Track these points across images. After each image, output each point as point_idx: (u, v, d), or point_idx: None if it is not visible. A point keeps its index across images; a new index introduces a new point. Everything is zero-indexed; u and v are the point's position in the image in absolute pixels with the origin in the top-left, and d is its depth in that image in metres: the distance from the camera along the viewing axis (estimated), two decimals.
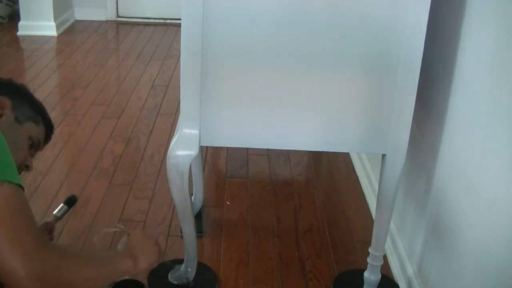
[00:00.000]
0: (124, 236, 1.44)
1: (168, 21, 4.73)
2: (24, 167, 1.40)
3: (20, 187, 1.06)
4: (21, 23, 4.21)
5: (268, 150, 2.55)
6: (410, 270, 1.69)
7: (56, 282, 1.04)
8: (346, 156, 2.56)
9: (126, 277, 1.68)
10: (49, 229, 1.69)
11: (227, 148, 2.55)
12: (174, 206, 1.74)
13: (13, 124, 1.34)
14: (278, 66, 1.38)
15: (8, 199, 1.02)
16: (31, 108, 1.42)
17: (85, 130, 2.70)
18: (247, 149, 2.55)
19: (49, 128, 1.51)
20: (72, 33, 4.42)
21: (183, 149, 1.42)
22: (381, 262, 1.63)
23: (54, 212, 1.74)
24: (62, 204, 1.76)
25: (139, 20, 4.78)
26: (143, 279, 1.69)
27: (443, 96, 1.50)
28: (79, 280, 1.11)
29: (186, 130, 1.41)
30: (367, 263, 1.64)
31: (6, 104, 1.33)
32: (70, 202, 1.78)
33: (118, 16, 4.81)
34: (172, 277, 1.69)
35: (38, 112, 1.45)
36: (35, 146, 1.46)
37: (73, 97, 3.11)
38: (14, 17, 4.48)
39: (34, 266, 0.99)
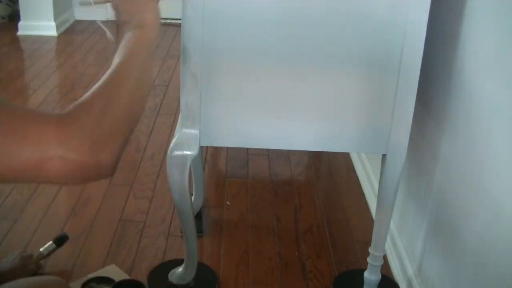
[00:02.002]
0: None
1: (168, 21, 4.73)
2: None
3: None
4: (21, 23, 4.20)
5: (268, 150, 2.55)
6: (410, 270, 1.69)
7: (99, 137, 0.87)
8: (346, 156, 2.56)
9: (127, 277, 1.68)
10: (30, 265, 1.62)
11: (227, 148, 2.55)
12: (174, 206, 1.74)
13: None
14: (278, 66, 1.38)
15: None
16: None
17: None
18: (247, 149, 2.55)
19: None
20: (72, 33, 4.42)
21: (183, 149, 1.42)
22: (381, 262, 1.63)
23: (41, 249, 1.70)
24: (51, 242, 1.72)
25: None
26: (143, 279, 1.70)
27: (443, 96, 1.50)
28: (123, 112, 0.95)
29: (186, 130, 1.41)
30: (367, 263, 1.64)
31: None
32: (60, 241, 1.73)
33: None
34: (172, 277, 1.69)
35: None
36: None
37: (73, 97, 3.11)
38: (14, 17, 4.48)
39: (65, 143, 0.83)
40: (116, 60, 1.02)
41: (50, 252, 1.72)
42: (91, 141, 0.85)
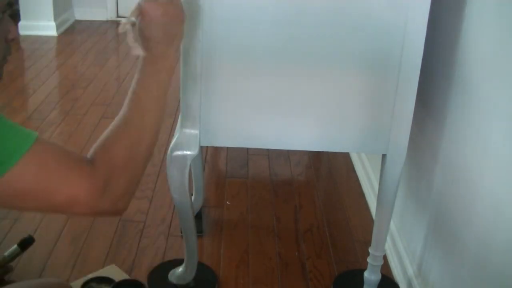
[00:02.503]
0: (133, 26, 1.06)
1: None
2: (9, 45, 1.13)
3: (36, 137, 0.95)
4: (21, 23, 4.21)
5: (268, 150, 2.55)
6: (410, 270, 1.69)
7: (121, 174, 0.97)
8: (346, 156, 2.56)
9: (127, 277, 1.68)
10: None
11: (227, 148, 2.55)
12: (174, 206, 1.74)
13: None
14: (278, 66, 1.38)
15: (44, 155, 0.94)
16: None
17: (85, 130, 2.70)
18: (247, 149, 2.55)
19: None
20: (72, 33, 4.42)
21: (183, 149, 1.42)
22: (381, 262, 1.63)
23: (5, 254, 1.64)
24: (15, 246, 1.65)
25: None
26: (143, 279, 1.70)
27: (443, 96, 1.50)
28: (140, 147, 1.01)
29: (186, 130, 1.41)
30: (367, 263, 1.64)
31: None
32: (24, 244, 1.65)
33: (118, 16, 4.81)
34: (172, 277, 1.69)
35: None
36: (8, 11, 1.12)
37: (73, 97, 3.11)
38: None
39: (97, 188, 0.93)
40: (136, 90, 1.05)
41: (14, 256, 1.65)
42: (115, 196, 0.96)
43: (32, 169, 0.91)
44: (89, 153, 0.99)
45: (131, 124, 1.03)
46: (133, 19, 1.04)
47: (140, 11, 1.05)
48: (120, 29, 1.04)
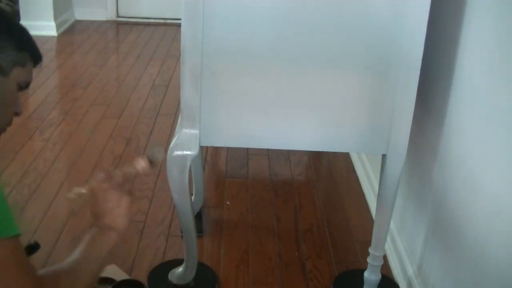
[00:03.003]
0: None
1: (168, 21, 4.73)
2: (13, 116, 1.22)
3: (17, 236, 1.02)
4: (21, 23, 4.20)
5: (268, 150, 2.55)
6: (410, 270, 1.69)
7: None
8: (346, 156, 2.55)
9: (127, 277, 1.68)
10: None
11: (227, 148, 2.55)
12: (174, 206, 1.74)
13: None
14: (278, 66, 1.38)
15: (9, 255, 1.00)
16: (14, 45, 1.16)
17: (85, 130, 2.70)
18: (247, 149, 2.55)
19: (37, 62, 1.27)
20: (72, 33, 4.42)
21: (183, 149, 1.42)
22: (381, 262, 1.63)
23: None
24: None
25: (139, 20, 4.78)
26: (143, 279, 1.69)
27: (443, 96, 1.50)
28: None
29: (186, 130, 1.41)
30: (367, 263, 1.64)
31: None
32: (30, 250, 1.64)
33: (118, 16, 4.81)
34: (172, 277, 1.69)
35: (22, 48, 1.19)
36: (24, 88, 1.23)
37: (73, 97, 3.11)
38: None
39: None
40: (76, 255, 1.16)
41: None
42: None
43: None
44: (42, 272, 1.08)
45: (85, 273, 1.15)
46: (83, 191, 1.21)
47: (91, 190, 1.19)
48: (68, 196, 1.20)
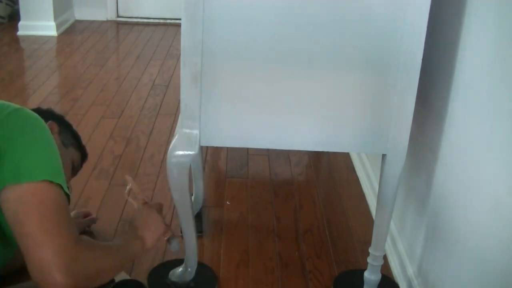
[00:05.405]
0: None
1: (168, 21, 4.74)
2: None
3: (67, 195, 1.20)
4: (21, 23, 4.21)
5: (268, 150, 2.55)
6: (410, 270, 1.69)
7: (84, 275, 1.13)
8: (346, 156, 2.56)
9: (127, 277, 1.68)
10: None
11: (227, 148, 2.55)
12: (174, 206, 1.74)
13: (60, 146, 1.45)
14: (278, 66, 1.38)
15: (55, 198, 1.14)
16: (72, 135, 1.62)
17: (85, 130, 2.70)
18: (247, 149, 2.55)
19: (84, 157, 1.69)
20: (72, 33, 4.42)
21: (183, 149, 1.42)
22: (381, 262, 1.63)
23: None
24: None
25: (139, 20, 4.78)
26: (143, 279, 1.69)
27: (443, 96, 1.50)
28: (104, 270, 1.24)
29: (186, 130, 1.41)
30: (367, 263, 1.64)
31: (54, 129, 1.46)
32: None
33: (118, 16, 4.81)
34: (172, 277, 1.69)
35: (77, 140, 1.65)
36: (74, 170, 1.63)
37: (73, 97, 3.12)
38: (14, 17, 4.48)
39: (66, 262, 1.08)
40: (117, 239, 1.60)
41: None
42: (74, 278, 1.10)
43: (34, 200, 1.13)
44: (83, 236, 1.28)
45: (115, 256, 1.32)
46: (137, 197, 1.56)
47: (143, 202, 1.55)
48: (129, 188, 1.56)
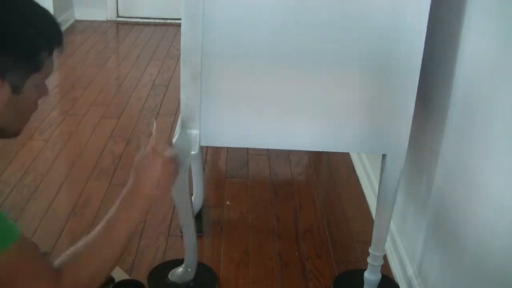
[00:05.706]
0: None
1: (168, 21, 4.73)
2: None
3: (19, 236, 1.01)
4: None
5: (268, 150, 2.55)
6: (410, 270, 1.69)
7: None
8: (346, 156, 2.55)
9: (127, 277, 1.68)
10: None
11: (227, 148, 2.55)
12: (174, 206, 1.74)
13: (11, 99, 1.00)
14: (278, 66, 1.38)
15: (15, 263, 1.00)
16: (20, 56, 1.01)
17: (85, 130, 2.70)
18: (247, 149, 2.54)
19: (56, 47, 1.15)
20: (72, 33, 4.42)
21: (183, 149, 1.42)
22: (381, 262, 1.63)
23: None
24: None
25: (139, 20, 4.78)
26: (143, 279, 1.70)
27: (443, 96, 1.50)
28: (98, 270, 1.11)
29: (186, 130, 1.41)
30: (367, 263, 1.64)
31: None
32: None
33: (118, 16, 4.81)
34: (172, 277, 1.69)
35: (30, 55, 1.03)
36: (46, 78, 1.12)
37: (73, 97, 3.11)
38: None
39: None
40: (110, 214, 1.18)
41: None
42: None
43: (5, 267, 0.98)
44: (58, 262, 1.09)
45: (102, 246, 1.11)
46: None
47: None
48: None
